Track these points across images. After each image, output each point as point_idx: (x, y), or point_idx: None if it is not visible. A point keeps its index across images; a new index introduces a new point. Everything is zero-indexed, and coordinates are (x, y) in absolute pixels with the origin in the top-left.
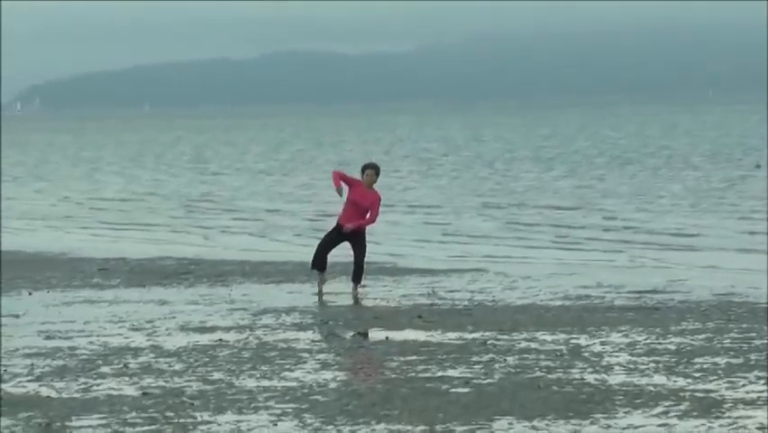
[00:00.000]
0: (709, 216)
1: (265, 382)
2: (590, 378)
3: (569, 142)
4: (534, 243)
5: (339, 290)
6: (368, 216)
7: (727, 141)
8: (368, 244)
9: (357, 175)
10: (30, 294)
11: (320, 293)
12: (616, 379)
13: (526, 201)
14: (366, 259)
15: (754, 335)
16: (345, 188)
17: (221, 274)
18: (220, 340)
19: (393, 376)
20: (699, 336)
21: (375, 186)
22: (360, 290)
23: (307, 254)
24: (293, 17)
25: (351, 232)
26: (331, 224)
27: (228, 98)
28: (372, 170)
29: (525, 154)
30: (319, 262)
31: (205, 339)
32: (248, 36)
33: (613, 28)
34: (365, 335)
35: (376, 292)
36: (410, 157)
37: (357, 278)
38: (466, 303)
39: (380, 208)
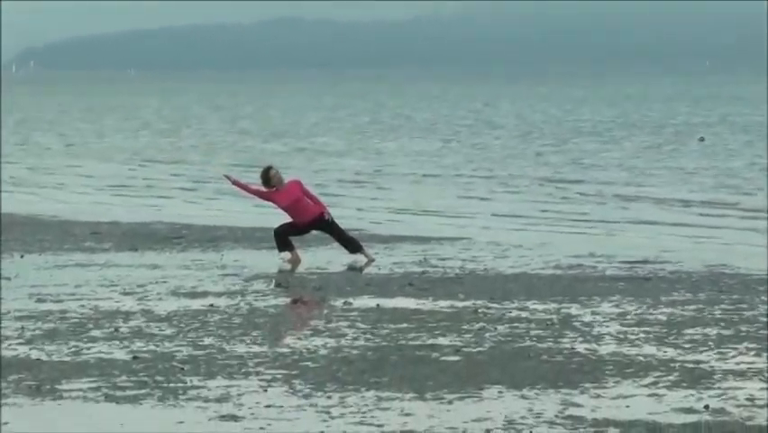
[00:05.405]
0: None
1: (255, 348)
2: (581, 348)
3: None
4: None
5: (332, 258)
6: (315, 199)
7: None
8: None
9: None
10: (21, 257)
11: (293, 264)
12: (606, 349)
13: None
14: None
15: (744, 306)
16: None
17: (212, 239)
18: (211, 305)
19: (383, 344)
20: (690, 307)
21: (284, 176)
22: (368, 250)
23: None
24: None
25: (329, 219)
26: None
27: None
28: (272, 170)
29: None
30: (287, 244)
31: (196, 304)
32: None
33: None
34: (356, 302)
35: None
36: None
37: (356, 248)
38: (457, 271)
39: (306, 187)
